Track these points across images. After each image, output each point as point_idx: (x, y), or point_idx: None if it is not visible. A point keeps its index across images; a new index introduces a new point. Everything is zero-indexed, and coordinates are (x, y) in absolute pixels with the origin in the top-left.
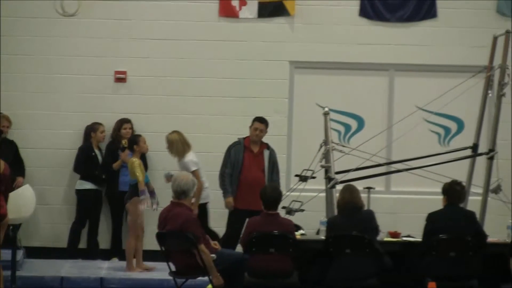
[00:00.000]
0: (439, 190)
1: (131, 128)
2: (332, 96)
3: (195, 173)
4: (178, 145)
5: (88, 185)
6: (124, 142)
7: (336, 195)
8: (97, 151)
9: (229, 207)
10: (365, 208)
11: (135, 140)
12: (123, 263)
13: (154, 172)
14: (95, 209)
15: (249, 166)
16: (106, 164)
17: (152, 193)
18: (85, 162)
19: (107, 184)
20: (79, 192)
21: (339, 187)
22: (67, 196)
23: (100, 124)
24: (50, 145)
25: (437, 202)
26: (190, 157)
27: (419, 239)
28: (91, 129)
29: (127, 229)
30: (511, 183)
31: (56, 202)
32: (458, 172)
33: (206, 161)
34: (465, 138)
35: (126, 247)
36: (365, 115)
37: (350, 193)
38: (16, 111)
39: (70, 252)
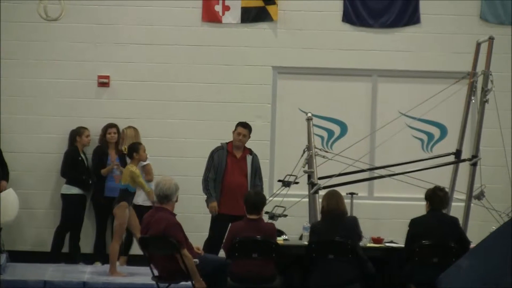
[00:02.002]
0: (422, 196)
1: (116, 132)
2: (315, 102)
3: (148, 166)
4: (132, 140)
5: (74, 190)
6: (124, 148)
7: (319, 200)
8: (83, 156)
9: (213, 211)
10: (348, 214)
11: (135, 148)
12: (106, 267)
13: None
14: (80, 213)
15: (232, 171)
16: (94, 168)
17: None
18: (72, 167)
19: (93, 189)
20: (66, 197)
21: (322, 192)
22: (52, 200)
23: (85, 128)
24: (33, 149)
25: (420, 208)
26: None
27: (402, 245)
28: (77, 133)
29: (112, 234)
30: (494, 189)
31: (41, 206)
32: (441, 178)
33: (189, 166)
34: (448, 144)
35: (110, 251)
36: (348, 120)
37: (334, 200)
38: None
39: (53, 256)
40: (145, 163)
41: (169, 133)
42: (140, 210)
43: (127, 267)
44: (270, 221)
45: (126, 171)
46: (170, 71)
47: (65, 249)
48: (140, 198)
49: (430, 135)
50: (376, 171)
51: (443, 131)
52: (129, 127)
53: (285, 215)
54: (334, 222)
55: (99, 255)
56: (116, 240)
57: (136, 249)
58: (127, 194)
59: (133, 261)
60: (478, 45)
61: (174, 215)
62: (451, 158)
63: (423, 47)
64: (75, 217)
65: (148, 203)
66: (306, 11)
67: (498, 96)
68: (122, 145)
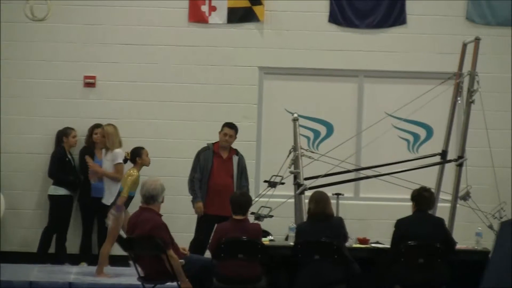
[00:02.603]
0: (408, 196)
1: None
2: (301, 102)
3: (120, 165)
4: (112, 138)
5: (62, 191)
6: (127, 154)
7: (305, 201)
8: (69, 156)
9: (199, 212)
10: (334, 214)
11: (138, 152)
12: (92, 268)
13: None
14: (67, 214)
15: (218, 172)
16: (80, 169)
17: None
18: (59, 168)
19: (80, 190)
20: (53, 198)
21: (308, 193)
22: (39, 201)
23: (72, 129)
24: (20, 150)
25: (406, 209)
26: (119, 151)
27: (388, 246)
28: (63, 134)
29: (98, 234)
30: (480, 190)
31: (28, 207)
32: (427, 178)
33: (176, 166)
34: (434, 145)
35: (101, 252)
36: (334, 121)
37: (322, 203)
38: None
39: (40, 257)
40: (117, 162)
41: (155, 134)
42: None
43: (112, 267)
44: (256, 221)
45: (127, 179)
46: (157, 72)
47: (51, 249)
48: (112, 198)
49: (416, 136)
50: (362, 171)
51: (429, 131)
52: (108, 124)
53: (271, 216)
54: (320, 223)
55: (85, 255)
56: (109, 241)
57: (121, 250)
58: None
59: (119, 261)
60: (464, 45)
61: (160, 215)
62: (437, 158)
63: (409, 48)
64: (63, 218)
65: None
66: (292, 11)
67: (484, 97)
68: (104, 143)
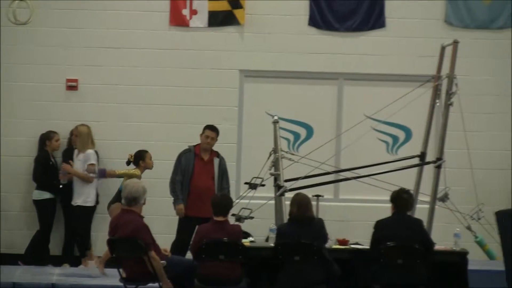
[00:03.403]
0: (387, 198)
1: None
2: (281, 105)
3: (92, 166)
4: (85, 138)
5: (46, 195)
6: (130, 156)
7: (286, 202)
8: (53, 160)
9: (180, 214)
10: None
11: (141, 155)
12: (75, 269)
13: (107, 180)
14: (53, 217)
15: (199, 174)
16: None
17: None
18: (43, 172)
19: (62, 192)
20: (39, 203)
21: (289, 194)
22: (23, 203)
23: (55, 132)
24: (3, 152)
25: (385, 210)
26: (92, 151)
27: (367, 247)
28: (46, 138)
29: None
30: (458, 191)
31: (11, 209)
32: (406, 180)
33: (157, 168)
34: (413, 147)
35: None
36: (314, 123)
37: (303, 207)
38: None
39: (26, 259)
40: (89, 162)
41: (137, 136)
42: (79, 210)
43: (94, 268)
44: (236, 223)
45: (128, 172)
46: (138, 75)
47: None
48: (80, 199)
49: (395, 138)
50: (341, 173)
51: (408, 134)
52: (82, 124)
53: (252, 217)
54: (301, 224)
55: (68, 257)
56: None
57: (103, 251)
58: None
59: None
60: (443, 48)
61: (142, 217)
62: (416, 160)
63: (388, 51)
64: (50, 221)
65: (88, 204)
66: (273, 15)
67: (462, 99)
68: (75, 142)
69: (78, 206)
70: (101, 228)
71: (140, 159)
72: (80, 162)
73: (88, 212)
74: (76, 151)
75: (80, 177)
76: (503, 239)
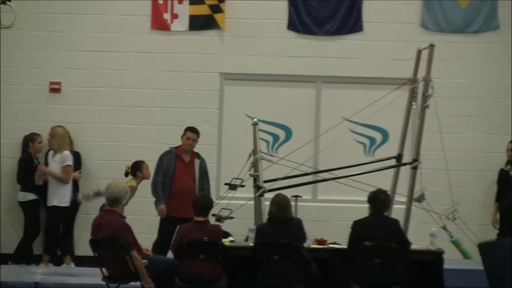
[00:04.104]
0: (364, 198)
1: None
2: (261, 107)
3: (68, 167)
4: (61, 139)
5: (31, 196)
6: (127, 167)
7: (265, 203)
8: (36, 162)
9: (161, 214)
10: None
11: (138, 166)
12: (58, 268)
13: (89, 180)
14: (39, 218)
15: (181, 175)
16: None
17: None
18: (27, 174)
19: (44, 193)
20: (25, 204)
21: (268, 195)
22: (7, 204)
23: (37, 134)
24: None
25: (362, 210)
26: (68, 152)
27: (345, 246)
28: (29, 140)
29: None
30: (434, 192)
31: None
32: (382, 181)
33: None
34: (390, 148)
35: None
36: (293, 125)
37: (283, 207)
38: None
39: (16, 258)
40: (66, 164)
41: (120, 138)
42: (54, 210)
43: (76, 268)
44: (216, 223)
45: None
46: (120, 78)
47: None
48: (57, 200)
49: (372, 140)
50: (319, 174)
51: (385, 135)
52: (58, 126)
53: (232, 217)
54: (279, 224)
55: (51, 256)
56: None
57: (85, 250)
58: None
59: (83, 262)
60: (419, 52)
61: (124, 217)
62: (393, 162)
63: (365, 54)
64: (36, 221)
65: (63, 204)
66: (252, 19)
67: (438, 102)
68: (51, 143)
69: (53, 206)
70: (84, 228)
71: (137, 169)
72: (56, 163)
73: (63, 213)
74: (51, 152)
75: (56, 177)
76: (487, 270)
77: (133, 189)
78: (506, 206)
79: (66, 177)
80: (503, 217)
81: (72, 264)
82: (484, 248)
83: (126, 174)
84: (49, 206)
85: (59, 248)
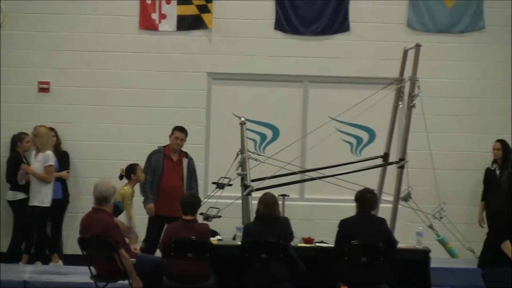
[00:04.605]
0: (351, 197)
1: (55, 135)
2: (248, 107)
3: (51, 167)
4: (43, 138)
5: (20, 195)
6: (122, 170)
7: (252, 202)
8: (25, 160)
9: (150, 213)
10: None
11: (132, 169)
12: (46, 267)
13: (78, 180)
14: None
15: (169, 174)
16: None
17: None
18: (16, 172)
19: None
20: (14, 203)
21: (255, 194)
22: None
23: (25, 134)
24: None
25: (349, 209)
26: (51, 152)
27: (332, 245)
28: (17, 139)
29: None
30: (420, 191)
31: None
32: (369, 180)
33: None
34: (377, 148)
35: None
36: (280, 125)
37: (270, 205)
38: None
39: (9, 257)
40: (48, 164)
41: (108, 137)
42: (35, 210)
43: (65, 266)
44: (204, 222)
45: (121, 192)
46: (109, 77)
47: (4, 249)
48: (38, 199)
49: (359, 139)
50: (307, 173)
51: (372, 135)
52: (41, 125)
53: (219, 216)
54: (267, 223)
55: (40, 255)
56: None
57: (74, 249)
58: (116, 211)
59: (71, 260)
60: (405, 52)
61: (112, 216)
62: (379, 161)
63: (352, 54)
64: (26, 220)
65: (45, 204)
66: (240, 19)
67: (424, 101)
68: (34, 142)
69: (34, 206)
70: (72, 227)
71: (131, 172)
72: (39, 163)
73: (44, 213)
74: (34, 152)
75: (38, 177)
76: None
77: (129, 194)
78: (495, 208)
79: (48, 177)
80: (490, 219)
81: (60, 262)
82: (488, 277)
83: (121, 178)
84: (31, 206)
85: (46, 247)
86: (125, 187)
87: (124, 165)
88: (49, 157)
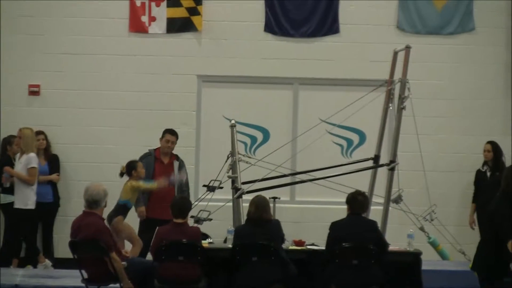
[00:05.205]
0: (343, 200)
1: (44, 139)
2: (238, 109)
3: (33, 170)
4: (28, 140)
5: (12, 198)
6: (122, 168)
7: (243, 205)
8: (15, 163)
9: (141, 216)
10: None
11: (133, 165)
12: (38, 270)
13: (68, 183)
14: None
15: (160, 177)
16: None
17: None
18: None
19: None
20: (5, 206)
21: (246, 197)
22: None
23: (15, 137)
24: None
25: (340, 211)
26: (34, 155)
27: (323, 247)
28: (7, 143)
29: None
30: (411, 193)
31: None
32: (360, 182)
33: (118, 171)
34: (367, 150)
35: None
36: (271, 127)
37: (261, 208)
38: None
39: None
40: (30, 166)
41: (98, 140)
42: (19, 213)
43: (56, 270)
44: (195, 225)
45: (126, 187)
46: (99, 80)
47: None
48: (21, 202)
49: (349, 141)
50: (297, 176)
51: (362, 137)
52: (26, 127)
53: (210, 219)
54: (258, 226)
55: (31, 258)
56: (136, 246)
57: (65, 252)
58: (124, 210)
59: (62, 264)
60: (395, 54)
61: (103, 219)
62: (370, 163)
63: (342, 56)
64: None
65: (29, 207)
66: (229, 21)
67: (414, 103)
68: (19, 144)
69: (17, 208)
70: (63, 230)
71: (132, 169)
72: (22, 165)
73: (27, 215)
74: (19, 154)
75: (21, 179)
76: None
77: (137, 187)
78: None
79: (30, 179)
80: (483, 223)
81: (47, 261)
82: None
83: (121, 175)
84: (14, 208)
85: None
86: (129, 183)
87: (114, 168)
88: (32, 159)
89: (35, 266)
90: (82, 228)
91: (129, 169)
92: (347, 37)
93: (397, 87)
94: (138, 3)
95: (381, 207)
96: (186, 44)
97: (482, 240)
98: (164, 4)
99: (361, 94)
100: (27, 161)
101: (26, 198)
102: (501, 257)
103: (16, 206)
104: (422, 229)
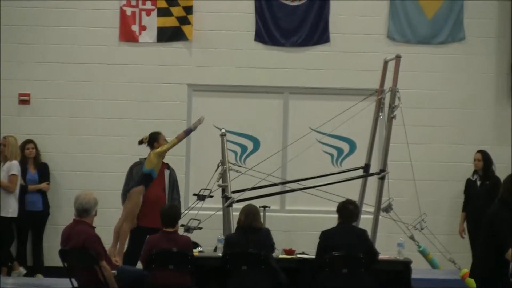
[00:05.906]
0: (333, 208)
1: (34, 147)
2: (229, 118)
3: (14, 177)
4: (13, 149)
5: None
6: (145, 137)
7: (233, 213)
8: None
9: (132, 224)
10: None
11: (155, 137)
12: (28, 279)
13: (58, 191)
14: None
15: (151, 185)
16: None
17: None
18: None
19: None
20: None
21: (236, 205)
22: None
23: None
24: None
25: (330, 220)
26: (16, 162)
27: (313, 256)
28: None
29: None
30: (401, 202)
31: None
32: (350, 191)
33: (109, 180)
34: (357, 159)
35: (121, 231)
36: (261, 136)
37: (251, 216)
38: None
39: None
40: (11, 173)
41: (89, 149)
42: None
43: (46, 278)
44: (185, 233)
45: (151, 156)
46: (89, 89)
47: None
48: (10, 209)
49: (339, 150)
50: (287, 185)
51: (352, 146)
52: (10, 136)
53: (200, 228)
54: (248, 234)
55: (22, 264)
56: (128, 222)
57: (55, 261)
58: (148, 179)
59: (52, 272)
60: (386, 63)
61: (93, 228)
62: (360, 172)
63: (332, 65)
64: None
65: (9, 214)
66: (220, 31)
67: (405, 112)
68: (5, 152)
69: (4, 217)
70: (53, 239)
71: (154, 141)
72: (4, 172)
73: (7, 223)
74: (2, 162)
75: (2, 186)
76: None
77: (162, 150)
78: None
79: (10, 186)
80: (473, 231)
81: (21, 269)
82: None
83: (140, 143)
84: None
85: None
86: (151, 152)
87: (104, 177)
88: (13, 166)
89: (9, 274)
90: (72, 237)
91: (151, 140)
92: (337, 47)
93: (387, 96)
94: (128, 12)
95: (371, 216)
96: (177, 53)
97: (479, 245)
98: (154, 13)
99: (352, 103)
100: (8, 168)
101: (7, 206)
102: (501, 259)
103: (7, 215)
104: (412, 237)
